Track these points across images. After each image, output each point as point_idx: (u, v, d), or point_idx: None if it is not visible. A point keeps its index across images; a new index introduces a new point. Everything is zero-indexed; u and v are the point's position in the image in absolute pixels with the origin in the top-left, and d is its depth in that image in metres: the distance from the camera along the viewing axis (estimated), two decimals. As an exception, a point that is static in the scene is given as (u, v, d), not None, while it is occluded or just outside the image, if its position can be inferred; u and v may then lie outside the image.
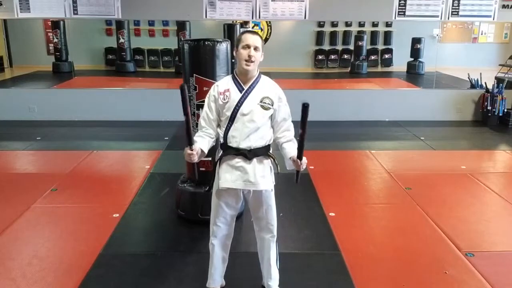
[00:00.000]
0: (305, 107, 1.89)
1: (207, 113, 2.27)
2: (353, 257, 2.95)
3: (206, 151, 2.21)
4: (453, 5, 6.33)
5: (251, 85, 2.23)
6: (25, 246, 3.05)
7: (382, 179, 4.48)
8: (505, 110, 6.78)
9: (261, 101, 2.21)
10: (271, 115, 2.25)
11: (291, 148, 2.25)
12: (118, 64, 10.86)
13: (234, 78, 2.26)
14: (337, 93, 7.72)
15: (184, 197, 3.44)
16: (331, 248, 3.08)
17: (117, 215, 3.55)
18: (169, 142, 5.69)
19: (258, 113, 2.21)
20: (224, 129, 2.24)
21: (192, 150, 2.07)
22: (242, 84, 2.23)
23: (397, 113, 6.99)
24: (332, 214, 3.60)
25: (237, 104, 2.19)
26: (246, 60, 2.16)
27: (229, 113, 2.20)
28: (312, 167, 4.70)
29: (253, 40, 2.16)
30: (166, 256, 2.97)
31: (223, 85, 2.26)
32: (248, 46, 2.15)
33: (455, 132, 6.52)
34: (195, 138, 2.19)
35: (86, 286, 2.62)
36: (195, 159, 2.10)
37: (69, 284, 2.63)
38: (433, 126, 6.69)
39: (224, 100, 2.21)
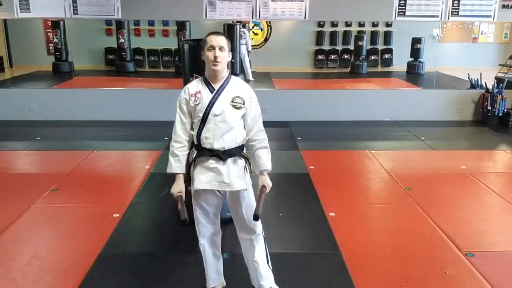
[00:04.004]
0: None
1: (180, 116, 2.28)
2: (353, 257, 2.95)
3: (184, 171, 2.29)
4: (453, 5, 6.33)
5: (222, 85, 2.24)
6: (25, 246, 3.05)
7: (382, 179, 4.48)
8: (505, 110, 6.78)
9: (232, 101, 2.23)
10: (243, 114, 2.27)
11: (264, 160, 2.30)
12: (118, 64, 10.86)
13: (204, 80, 2.27)
14: (337, 93, 7.71)
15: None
16: (331, 248, 3.08)
17: (117, 215, 3.55)
18: (169, 142, 5.65)
19: (230, 113, 2.22)
20: (196, 130, 2.25)
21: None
22: (213, 85, 2.24)
23: (397, 113, 6.99)
24: (332, 214, 3.60)
25: (208, 105, 2.20)
26: (212, 62, 2.17)
27: (201, 114, 2.21)
28: (312, 167, 4.70)
29: (217, 41, 2.17)
30: (166, 256, 2.98)
31: (194, 87, 2.27)
32: (213, 48, 2.17)
33: (455, 132, 6.52)
34: (173, 160, 2.28)
35: (86, 286, 2.62)
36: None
37: (69, 284, 2.63)
38: (433, 126, 6.69)
39: (196, 102, 2.23)
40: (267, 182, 2.30)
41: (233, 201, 2.35)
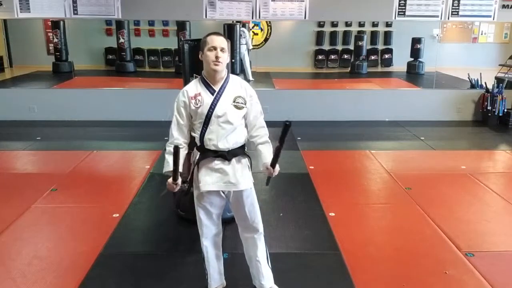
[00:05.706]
0: (286, 126, 1.96)
1: (177, 119, 2.26)
2: (353, 257, 2.95)
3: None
4: (453, 5, 6.33)
5: (222, 86, 2.23)
6: (25, 246, 3.05)
7: (382, 179, 4.48)
8: (505, 110, 6.78)
9: (234, 101, 2.22)
10: (245, 114, 2.26)
11: (266, 153, 2.25)
12: (118, 64, 10.85)
13: (203, 81, 2.25)
14: (337, 93, 7.71)
15: (184, 197, 3.43)
16: (331, 248, 3.08)
17: (117, 215, 3.55)
18: (169, 142, 5.68)
19: (233, 113, 2.21)
20: (199, 132, 2.23)
21: (175, 183, 2.12)
22: (213, 86, 2.22)
23: (397, 113, 6.99)
24: (332, 214, 3.60)
25: (210, 107, 2.19)
26: (213, 62, 2.15)
27: (203, 117, 2.19)
28: (312, 167, 4.70)
29: (219, 41, 2.16)
30: (166, 256, 2.98)
31: (193, 89, 2.24)
32: (214, 48, 2.15)
33: (455, 132, 6.52)
34: (169, 157, 2.20)
35: (86, 286, 2.62)
36: (177, 189, 2.17)
37: (69, 284, 2.63)
38: (433, 126, 6.69)
39: (197, 104, 2.20)
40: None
41: (236, 201, 2.33)
